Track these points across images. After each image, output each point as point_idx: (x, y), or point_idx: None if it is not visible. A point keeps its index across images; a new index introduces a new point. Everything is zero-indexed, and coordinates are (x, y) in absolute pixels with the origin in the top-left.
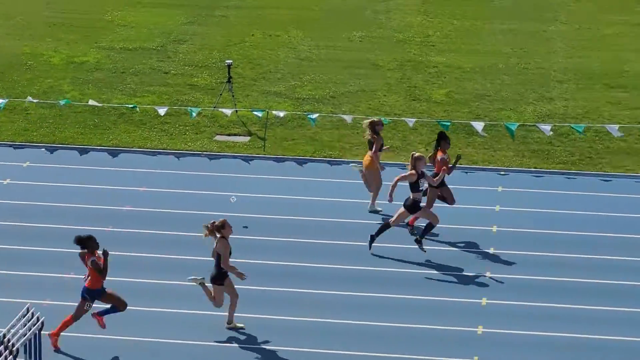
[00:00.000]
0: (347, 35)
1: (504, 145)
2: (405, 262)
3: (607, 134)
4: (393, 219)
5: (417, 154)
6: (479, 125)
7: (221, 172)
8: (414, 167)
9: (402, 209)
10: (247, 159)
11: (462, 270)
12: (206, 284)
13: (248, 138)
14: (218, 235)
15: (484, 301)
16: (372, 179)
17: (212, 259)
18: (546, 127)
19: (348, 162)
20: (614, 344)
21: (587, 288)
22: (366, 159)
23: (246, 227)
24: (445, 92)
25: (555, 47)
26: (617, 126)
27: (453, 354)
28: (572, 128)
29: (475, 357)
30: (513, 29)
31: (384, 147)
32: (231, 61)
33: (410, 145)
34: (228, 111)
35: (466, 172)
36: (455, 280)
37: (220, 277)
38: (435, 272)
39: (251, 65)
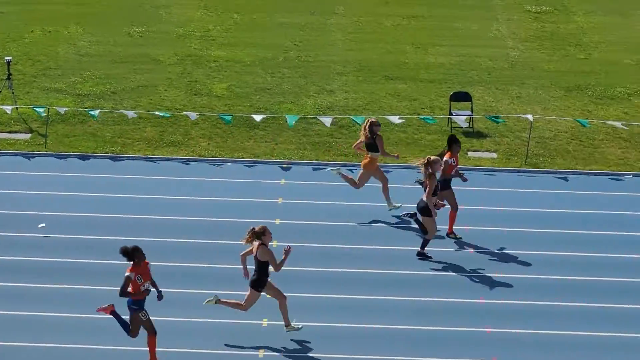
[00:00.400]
0: (127, 30)
1: (285, 138)
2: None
3: (388, 125)
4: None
5: (433, 157)
6: (259, 118)
7: (1, 170)
8: (432, 171)
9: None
10: (28, 156)
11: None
12: (221, 300)
13: (29, 135)
14: (257, 242)
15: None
16: (364, 179)
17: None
18: (327, 119)
19: (130, 158)
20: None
21: (362, 278)
22: (365, 159)
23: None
24: (226, 86)
25: (335, 40)
26: (397, 117)
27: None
28: (353, 120)
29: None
30: (293, 22)
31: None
32: (10, 58)
33: (192, 139)
34: (8, 108)
35: (249, 166)
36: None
37: (261, 283)
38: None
39: (31, 62)
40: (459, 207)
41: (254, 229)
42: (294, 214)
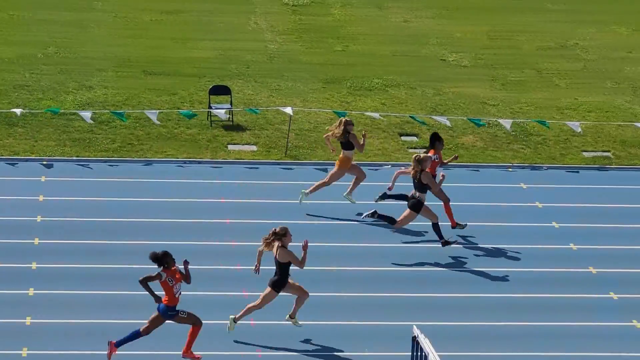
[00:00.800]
0: None
1: (45, 135)
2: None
3: (148, 120)
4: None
5: (422, 155)
6: (18, 112)
7: None
8: (422, 168)
9: (407, 210)
10: None
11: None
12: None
13: None
14: (277, 243)
15: (30, 291)
16: (336, 176)
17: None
18: (87, 114)
19: None
20: None
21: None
22: (346, 160)
23: None
24: None
25: (94, 36)
26: (156, 112)
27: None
28: (113, 115)
29: (25, 348)
30: (52, 18)
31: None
32: None
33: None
34: None
35: (9, 164)
36: None
37: (282, 284)
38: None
39: None
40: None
41: (275, 230)
42: (55, 211)
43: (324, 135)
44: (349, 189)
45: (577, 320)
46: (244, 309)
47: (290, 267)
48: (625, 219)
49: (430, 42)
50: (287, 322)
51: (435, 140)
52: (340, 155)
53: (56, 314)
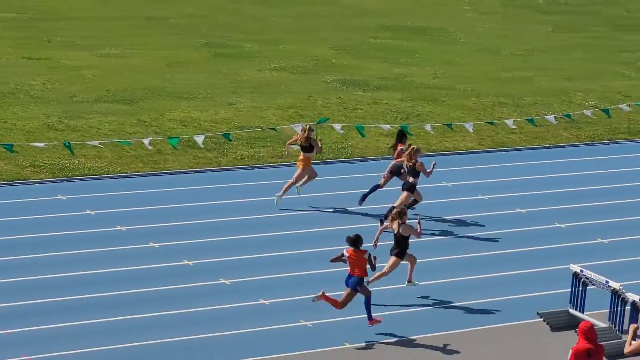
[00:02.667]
0: None
1: None
2: None
3: None
4: (397, 202)
5: (416, 147)
6: None
7: None
8: (413, 158)
9: (404, 193)
10: None
11: None
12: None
13: None
14: (399, 221)
15: None
16: (302, 175)
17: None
18: None
19: None
20: None
21: None
22: (306, 161)
23: None
24: None
25: None
26: None
27: None
28: None
29: None
30: None
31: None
32: None
33: None
34: None
35: None
36: None
37: (403, 253)
38: None
39: None
40: None
41: (397, 210)
42: None
43: (288, 142)
44: (301, 183)
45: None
46: (375, 275)
47: None
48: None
49: None
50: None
51: (402, 136)
52: (302, 157)
53: None
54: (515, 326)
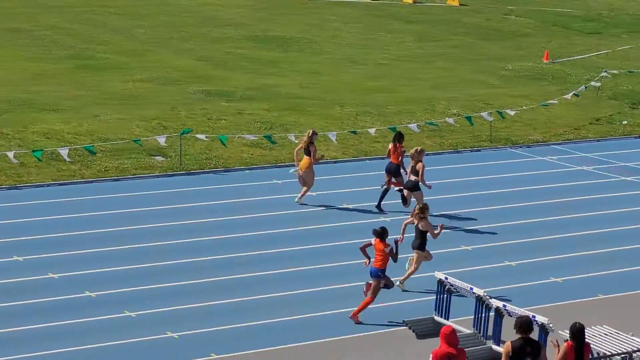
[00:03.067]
0: None
1: None
2: None
3: None
4: (406, 195)
5: (419, 148)
6: None
7: None
8: (419, 159)
9: (406, 191)
10: None
11: None
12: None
13: None
14: (421, 216)
15: None
16: (309, 179)
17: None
18: None
19: None
20: None
21: None
22: (305, 162)
23: None
24: None
25: None
26: None
27: None
28: None
29: None
30: None
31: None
32: None
33: None
34: None
35: None
36: None
37: (423, 245)
38: None
39: None
40: None
41: (420, 206)
42: None
43: (296, 150)
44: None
45: None
46: (406, 275)
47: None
48: None
49: None
50: None
51: (401, 137)
52: (303, 161)
53: None
54: (380, 334)
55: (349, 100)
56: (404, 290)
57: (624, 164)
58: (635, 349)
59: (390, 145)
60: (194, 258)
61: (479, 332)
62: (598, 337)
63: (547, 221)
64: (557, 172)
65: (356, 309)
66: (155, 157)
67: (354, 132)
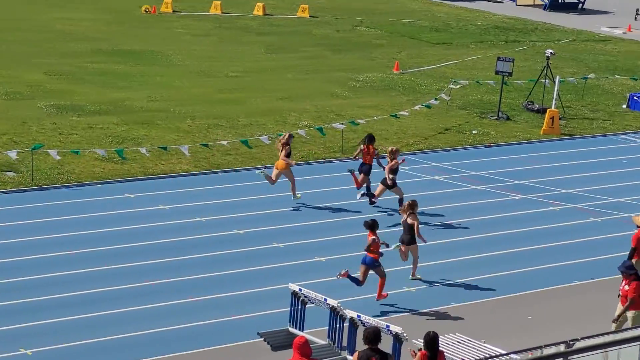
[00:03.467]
0: None
1: None
2: None
3: None
4: (377, 192)
5: (394, 148)
6: None
7: None
8: (394, 157)
9: (381, 186)
10: None
11: None
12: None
13: None
14: (410, 212)
15: None
16: (289, 175)
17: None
18: None
19: None
20: None
21: None
22: (281, 163)
23: None
24: None
25: None
26: None
27: None
28: None
29: None
30: None
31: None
32: None
33: None
34: None
35: None
36: None
37: (413, 240)
38: None
39: None
40: None
41: (409, 202)
42: None
43: (281, 156)
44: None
45: None
46: (414, 266)
47: None
48: None
49: None
50: None
51: (373, 139)
52: (280, 161)
53: None
54: (235, 347)
55: (200, 113)
56: (419, 279)
57: (474, 172)
58: (488, 355)
59: (363, 147)
60: (48, 274)
61: (334, 343)
62: (451, 345)
63: (401, 231)
64: (410, 182)
65: (378, 292)
66: (7, 173)
67: (206, 145)
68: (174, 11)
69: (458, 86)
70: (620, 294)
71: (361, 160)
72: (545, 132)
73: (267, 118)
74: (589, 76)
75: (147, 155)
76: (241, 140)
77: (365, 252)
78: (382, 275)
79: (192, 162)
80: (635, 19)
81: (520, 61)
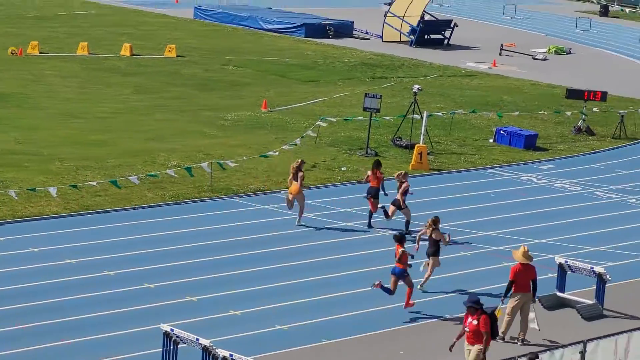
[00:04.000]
0: None
1: None
2: None
3: None
4: (390, 212)
5: (403, 172)
6: None
7: None
8: (405, 180)
9: (392, 207)
10: None
11: None
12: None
13: None
14: (434, 227)
15: None
16: (301, 201)
17: None
18: None
19: None
20: None
21: None
22: (295, 188)
23: None
24: None
25: None
26: None
27: None
28: None
29: None
30: None
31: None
32: None
33: None
34: None
35: None
36: None
37: (437, 252)
38: None
39: None
40: None
41: (433, 218)
42: None
43: (293, 179)
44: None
45: None
46: (425, 278)
47: None
48: None
49: None
50: None
51: (380, 164)
52: (294, 186)
53: None
54: None
55: (69, 155)
56: (424, 292)
57: (344, 209)
58: None
59: (370, 172)
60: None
61: None
62: None
63: (271, 269)
64: (279, 219)
65: (406, 301)
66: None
67: (75, 187)
68: (40, 53)
69: (326, 123)
70: (468, 329)
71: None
72: (414, 167)
73: (136, 159)
74: (456, 111)
75: (16, 198)
76: (110, 181)
77: (395, 264)
78: (410, 285)
79: (61, 203)
80: (500, 54)
81: (388, 97)
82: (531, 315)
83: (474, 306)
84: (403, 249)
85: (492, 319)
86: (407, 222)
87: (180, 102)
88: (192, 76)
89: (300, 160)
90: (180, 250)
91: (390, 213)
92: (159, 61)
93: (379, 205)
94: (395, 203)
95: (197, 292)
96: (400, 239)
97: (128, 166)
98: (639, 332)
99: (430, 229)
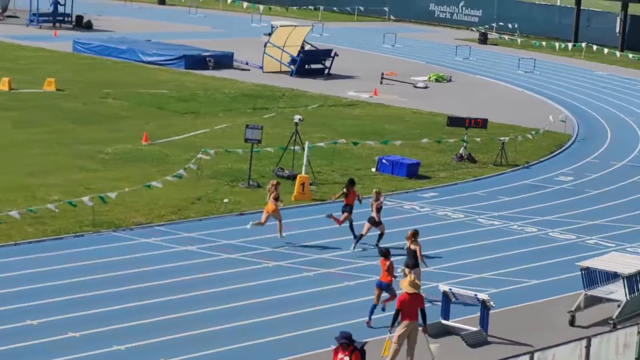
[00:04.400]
0: None
1: None
2: None
3: None
4: (364, 229)
5: (378, 189)
6: None
7: None
8: (379, 198)
9: (367, 224)
10: None
11: None
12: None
13: None
14: (412, 239)
15: None
16: (277, 215)
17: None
18: None
19: None
20: None
21: None
22: (271, 206)
23: None
24: None
25: None
26: None
27: None
28: None
29: None
30: None
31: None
32: None
33: None
34: None
35: None
36: None
37: (417, 263)
38: None
39: None
40: None
41: (412, 231)
42: None
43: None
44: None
45: None
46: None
47: None
48: None
49: None
50: None
51: (354, 183)
52: (270, 205)
53: None
54: None
55: None
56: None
57: (227, 241)
58: None
59: (344, 189)
60: None
61: None
62: None
63: (158, 302)
64: (163, 253)
65: (384, 302)
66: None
67: None
68: None
69: (208, 156)
70: None
71: (343, 202)
72: (296, 198)
73: (16, 194)
74: (338, 141)
75: None
76: None
77: (380, 278)
78: (394, 295)
79: None
80: (381, 82)
81: (270, 128)
82: (432, 346)
83: (347, 342)
84: (390, 262)
85: (362, 354)
86: (380, 235)
87: (59, 136)
88: (71, 110)
89: (276, 182)
90: (58, 286)
91: (364, 231)
92: (38, 95)
93: (325, 214)
94: (370, 220)
95: (80, 328)
96: (385, 254)
97: (8, 202)
98: (523, 357)
99: (409, 240)
